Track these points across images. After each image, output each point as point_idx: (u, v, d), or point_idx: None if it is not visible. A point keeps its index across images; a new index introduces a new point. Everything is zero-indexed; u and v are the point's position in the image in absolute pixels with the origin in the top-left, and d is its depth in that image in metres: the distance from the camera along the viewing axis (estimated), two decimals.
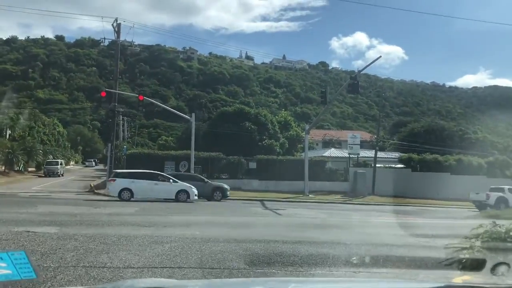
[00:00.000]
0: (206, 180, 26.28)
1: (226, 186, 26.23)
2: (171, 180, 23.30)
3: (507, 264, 4.69)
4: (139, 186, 22.59)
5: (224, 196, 25.50)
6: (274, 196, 28.20)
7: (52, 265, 6.97)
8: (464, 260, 5.67)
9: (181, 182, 23.39)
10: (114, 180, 23.32)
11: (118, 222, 13.10)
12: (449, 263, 5.45)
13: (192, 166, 29.82)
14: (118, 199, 22.27)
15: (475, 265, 5.34)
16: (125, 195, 22.31)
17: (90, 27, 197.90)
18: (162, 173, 25.09)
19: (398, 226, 15.09)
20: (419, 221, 18.11)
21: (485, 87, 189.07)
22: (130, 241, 9.51)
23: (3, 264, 1.73)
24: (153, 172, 23.99)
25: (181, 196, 22.67)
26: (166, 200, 22.37)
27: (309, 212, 19.99)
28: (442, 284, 2.24)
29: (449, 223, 17.39)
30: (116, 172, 25.27)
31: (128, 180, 22.97)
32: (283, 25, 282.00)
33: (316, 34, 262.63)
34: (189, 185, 23.22)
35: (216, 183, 26.74)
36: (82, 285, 5.80)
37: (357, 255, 8.63)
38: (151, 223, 13.11)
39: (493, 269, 4.59)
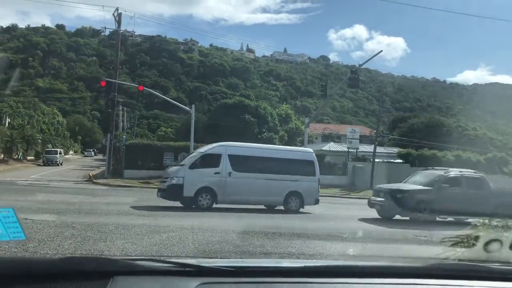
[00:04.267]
0: None
1: None
2: None
3: (500, 241, 4.71)
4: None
5: None
6: None
7: (49, 252, 7.00)
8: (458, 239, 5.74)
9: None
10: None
11: (116, 212, 13.13)
12: (445, 256, 5.49)
13: None
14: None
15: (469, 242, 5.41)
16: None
17: (89, 16, 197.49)
18: None
19: (396, 221, 15.14)
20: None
21: (485, 84, 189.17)
22: (128, 230, 9.54)
23: None
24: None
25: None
26: None
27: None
28: (435, 262, 2.25)
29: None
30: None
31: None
32: (284, 18, 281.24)
33: (317, 27, 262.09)
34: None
35: None
36: None
37: (353, 247, 8.67)
38: (149, 213, 13.15)
39: (486, 245, 4.61)
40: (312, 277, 1.65)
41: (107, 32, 53.92)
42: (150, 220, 11.45)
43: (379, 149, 41.12)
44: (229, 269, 1.63)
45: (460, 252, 5.34)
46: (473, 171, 17.56)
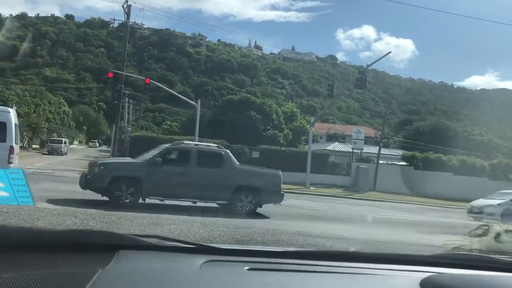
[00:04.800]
0: None
1: None
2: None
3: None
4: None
5: None
6: None
7: None
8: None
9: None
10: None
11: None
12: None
13: None
14: None
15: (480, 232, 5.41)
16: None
17: (98, 7, 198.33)
18: None
19: (398, 222, 15.10)
20: (419, 219, 18.10)
21: (493, 89, 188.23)
22: (130, 221, 9.54)
23: (1, 184, 1.49)
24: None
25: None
26: None
27: (309, 204, 19.98)
28: (445, 252, 2.25)
29: (449, 222, 17.37)
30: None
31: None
32: (292, 15, 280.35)
33: (326, 27, 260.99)
34: None
35: None
36: None
37: (354, 248, 8.65)
38: (151, 205, 13.15)
39: (497, 236, 4.59)
40: (321, 260, 1.64)
41: (116, 24, 54.14)
42: (153, 211, 11.46)
43: (384, 151, 41.08)
44: (237, 249, 1.63)
45: (471, 243, 5.33)
46: (215, 145, 14.73)
